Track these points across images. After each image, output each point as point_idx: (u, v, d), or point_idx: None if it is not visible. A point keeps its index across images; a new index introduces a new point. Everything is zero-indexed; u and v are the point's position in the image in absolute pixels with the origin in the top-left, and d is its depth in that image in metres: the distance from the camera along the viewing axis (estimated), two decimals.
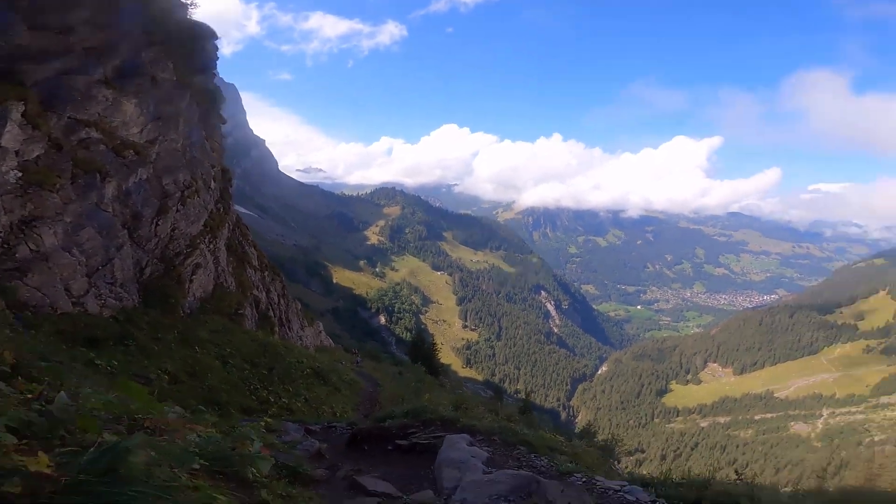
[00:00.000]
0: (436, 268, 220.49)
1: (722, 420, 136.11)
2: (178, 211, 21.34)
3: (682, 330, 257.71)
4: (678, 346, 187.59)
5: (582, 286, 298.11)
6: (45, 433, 2.31)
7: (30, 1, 16.32)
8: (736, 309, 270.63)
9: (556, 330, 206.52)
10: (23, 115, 14.48)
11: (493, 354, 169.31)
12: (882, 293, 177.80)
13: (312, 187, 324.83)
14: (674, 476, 6.79)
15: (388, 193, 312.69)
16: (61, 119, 16.46)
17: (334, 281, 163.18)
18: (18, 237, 13.72)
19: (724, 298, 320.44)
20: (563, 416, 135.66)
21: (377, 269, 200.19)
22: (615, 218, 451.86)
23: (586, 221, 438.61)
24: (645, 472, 7.96)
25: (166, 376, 14.27)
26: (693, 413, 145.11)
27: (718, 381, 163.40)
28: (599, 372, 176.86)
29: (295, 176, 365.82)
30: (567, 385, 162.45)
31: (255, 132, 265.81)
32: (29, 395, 2.93)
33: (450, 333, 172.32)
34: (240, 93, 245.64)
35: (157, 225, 20.05)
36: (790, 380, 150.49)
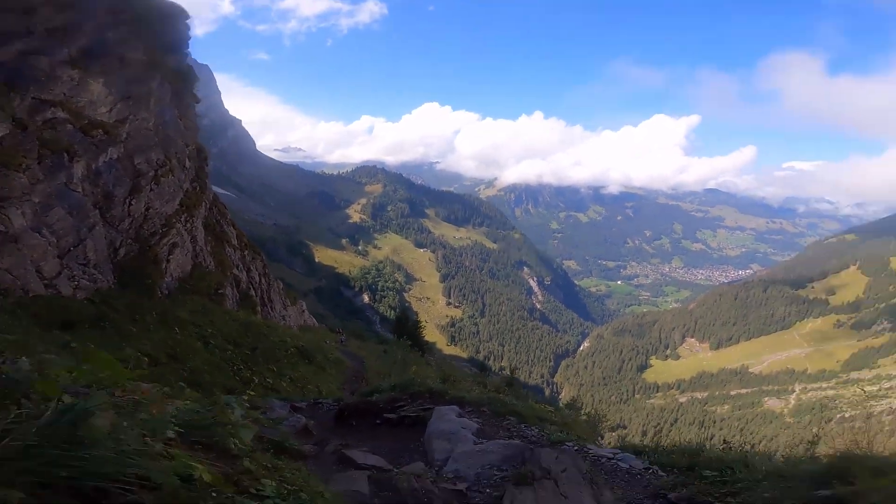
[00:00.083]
0: (419, 245, 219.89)
1: (699, 396, 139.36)
2: (151, 190, 20.85)
3: (661, 305, 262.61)
4: (657, 321, 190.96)
5: (564, 262, 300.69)
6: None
7: None
8: (713, 284, 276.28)
9: (538, 306, 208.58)
10: None
11: (478, 331, 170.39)
12: (853, 268, 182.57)
13: (292, 166, 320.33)
14: (664, 444, 6.79)
15: (369, 171, 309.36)
16: (25, 100, 16.00)
17: (317, 260, 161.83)
18: None
19: (702, 273, 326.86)
20: (547, 392, 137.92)
21: (360, 248, 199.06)
22: (596, 194, 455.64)
23: (567, 198, 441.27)
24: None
25: (146, 358, 13.86)
26: (672, 388, 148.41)
27: (696, 356, 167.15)
28: (581, 348, 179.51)
29: (273, 156, 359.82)
30: (550, 361, 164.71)
31: (231, 113, 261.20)
32: None
33: (434, 311, 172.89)
34: (214, 74, 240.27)
35: (130, 204, 19.59)
36: (764, 355, 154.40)
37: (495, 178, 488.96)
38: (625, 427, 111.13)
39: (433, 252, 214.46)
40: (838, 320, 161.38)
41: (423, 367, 15.11)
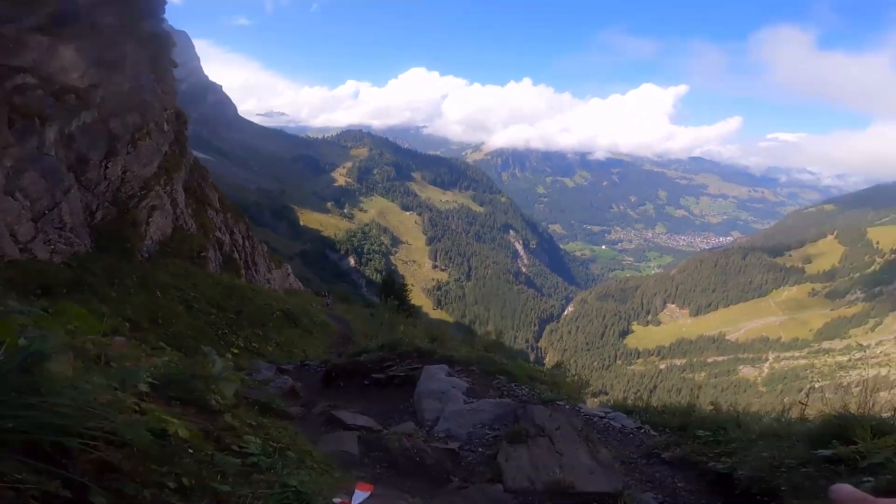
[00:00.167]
0: (405, 208, 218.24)
1: (678, 362, 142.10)
2: (128, 153, 20.71)
3: (643, 270, 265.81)
4: (640, 286, 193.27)
5: (549, 226, 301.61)
6: None
7: None
8: (694, 250, 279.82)
9: (524, 269, 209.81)
10: None
11: (464, 295, 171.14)
12: (830, 237, 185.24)
13: (275, 130, 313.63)
14: (654, 405, 6.78)
15: (355, 135, 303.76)
16: None
17: (301, 223, 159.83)
18: None
19: (684, 239, 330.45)
20: (532, 357, 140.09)
21: (345, 211, 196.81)
22: (583, 159, 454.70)
23: (554, 163, 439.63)
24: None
25: (127, 323, 13.61)
26: (652, 355, 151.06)
27: (676, 323, 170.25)
28: (566, 312, 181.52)
29: (256, 121, 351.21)
30: (535, 326, 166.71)
31: (211, 79, 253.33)
32: None
33: (420, 274, 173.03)
34: (193, 40, 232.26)
35: (106, 168, 19.45)
36: (741, 322, 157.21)
37: (482, 143, 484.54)
38: (606, 393, 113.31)
39: (419, 215, 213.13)
40: (813, 289, 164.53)
41: (410, 328, 15.00)
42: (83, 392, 2.01)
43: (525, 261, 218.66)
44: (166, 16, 28.46)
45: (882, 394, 3.99)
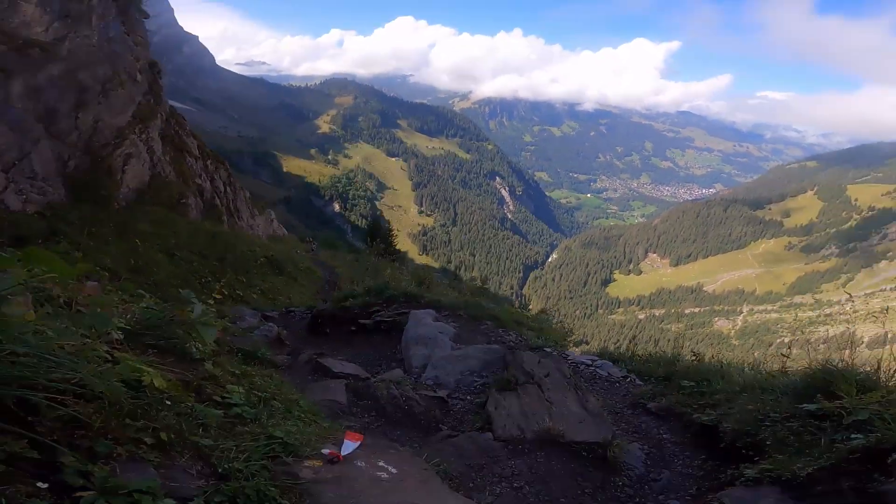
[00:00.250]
0: (391, 154, 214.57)
1: (657, 313, 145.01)
2: (100, 104, 20.08)
3: (627, 219, 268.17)
4: (623, 235, 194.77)
5: (535, 173, 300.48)
6: None
7: None
8: (677, 201, 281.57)
9: (510, 216, 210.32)
10: None
11: (449, 240, 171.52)
12: (810, 193, 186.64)
13: (256, 79, 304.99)
14: (640, 354, 6.82)
15: (339, 84, 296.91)
16: None
17: (284, 170, 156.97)
18: None
19: (668, 190, 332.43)
20: (517, 304, 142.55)
21: (329, 157, 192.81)
22: (571, 110, 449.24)
23: (542, 112, 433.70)
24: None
25: (106, 273, 13.33)
26: (633, 304, 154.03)
27: (657, 272, 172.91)
28: (550, 260, 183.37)
29: (235, 70, 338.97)
30: (520, 272, 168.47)
31: (186, 30, 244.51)
32: None
33: (406, 219, 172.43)
34: None
35: (77, 118, 18.90)
36: (718, 273, 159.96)
37: (470, 92, 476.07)
38: (587, 343, 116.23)
39: (405, 161, 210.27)
40: (790, 242, 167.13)
41: (396, 273, 14.95)
42: (47, 340, 1.84)
43: (511, 207, 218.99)
44: None
45: (846, 351, 3.95)
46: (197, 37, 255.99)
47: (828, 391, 3.36)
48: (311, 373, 5.60)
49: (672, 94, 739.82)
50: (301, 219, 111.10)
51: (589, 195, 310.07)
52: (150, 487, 1.51)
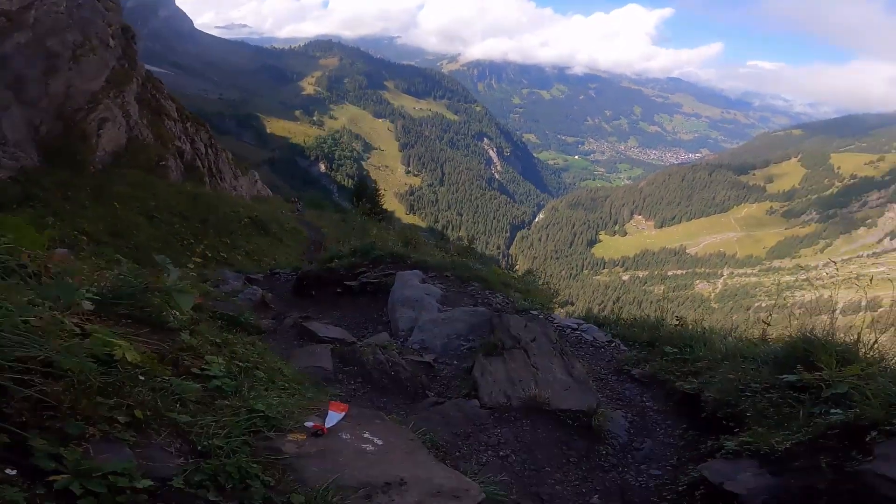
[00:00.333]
0: (377, 115, 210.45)
1: (641, 274, 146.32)
2: (70, 70, 19.88)
3: (614, 181, 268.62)
4: (609, 196, 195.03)
5: (524, 135, 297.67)
6: None
7: None
8: (664, 164, 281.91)
9: (497, 176, 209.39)
10: None
11: (436, 200, 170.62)
12: (794, 160, 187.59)
13: (237, 42, 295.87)
14: (624, 318, 6.85)
15: (324, 45, 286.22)
16: None
17: (268, 132, 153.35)
18: None
19: (655, 153, 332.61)
20: (504, 263, 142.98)
21: (314, 118, 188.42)
22: (560, 74, 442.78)
23: (532, 75, 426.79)
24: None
25: (84, 237, 13.00)
26: (617, 266, 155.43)
27: (641, 234, 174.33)
28: (537, 220, 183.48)
29: (215, 33, 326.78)
30: (507, 232, 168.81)
31: None
32: None
33: (392, 179, 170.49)
34: None
35: (47, 84, 18.82)
36: (701, 236, 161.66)
37: (459, 54, 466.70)
38: (572, 304, 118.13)
39: (392, 122, 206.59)
40: (771, 207, 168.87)
41: (383, 233, 14.83)
42: (8, 314, 1.73)
43: (498, 167, 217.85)
44: None
45: (822, 317, 3.94)
46: (173, 0, 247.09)
47: (808, 361, 3.35)
48: (297, 337, 5.55)
49: (663, 61, 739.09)
50: (286, 179, 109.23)
51: (576, 157, 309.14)
52: (126, 469, 1.45)
